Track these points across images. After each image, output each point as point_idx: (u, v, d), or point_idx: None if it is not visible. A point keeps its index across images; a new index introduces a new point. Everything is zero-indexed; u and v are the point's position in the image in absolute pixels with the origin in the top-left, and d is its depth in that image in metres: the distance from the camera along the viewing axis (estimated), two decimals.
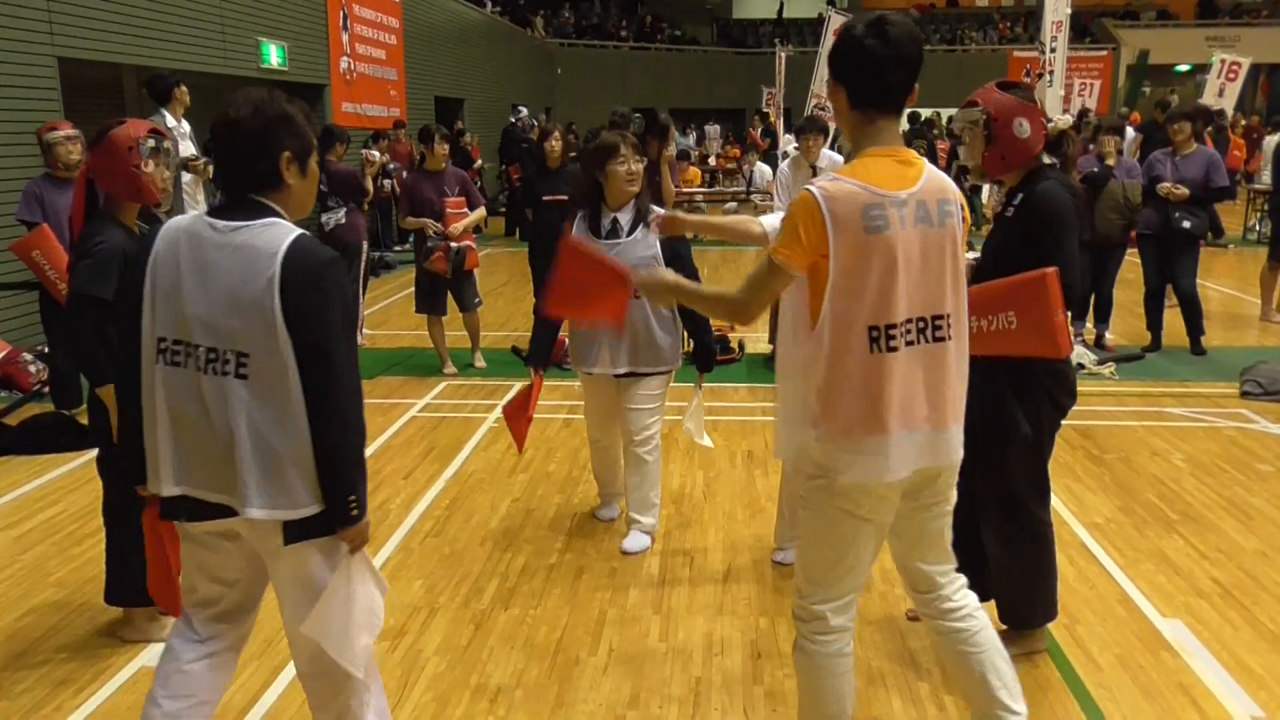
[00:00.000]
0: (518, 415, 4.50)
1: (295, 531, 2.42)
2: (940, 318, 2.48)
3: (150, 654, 3.65)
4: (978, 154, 3.42)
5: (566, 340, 4.71)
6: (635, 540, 4.52)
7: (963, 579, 2.76)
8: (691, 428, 4.57)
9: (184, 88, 7.90)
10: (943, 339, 2.49)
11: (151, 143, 3.56)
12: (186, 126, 7.89)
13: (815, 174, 6.95)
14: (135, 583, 3.69)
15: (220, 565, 2.60)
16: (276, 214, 2.42)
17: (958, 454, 2.58)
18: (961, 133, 3.48)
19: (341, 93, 14.34)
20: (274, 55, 12.23)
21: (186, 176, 7.73)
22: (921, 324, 2.45)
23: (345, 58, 14.49)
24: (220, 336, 2.34)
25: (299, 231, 2.39)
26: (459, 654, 3.66)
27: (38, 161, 6.81)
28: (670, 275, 2.81)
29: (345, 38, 14.50)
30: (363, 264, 8.44)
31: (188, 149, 7.79)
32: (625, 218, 4.30)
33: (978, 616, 2.74)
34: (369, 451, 5.91)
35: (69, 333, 3.47)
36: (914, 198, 2.43)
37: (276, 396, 2.34)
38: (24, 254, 6.28)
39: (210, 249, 2.36)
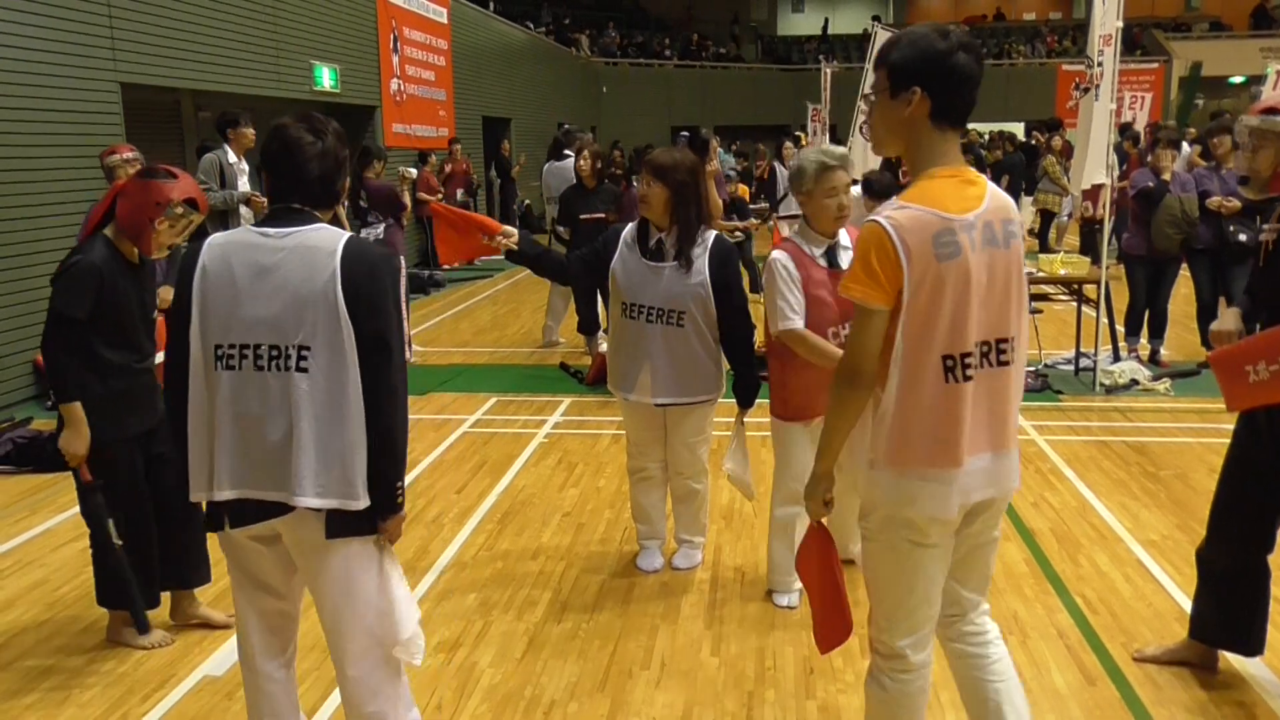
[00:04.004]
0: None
1: (340, 526, 2.52)
2: (1005, 341, 2.39)
3: (213, 663, 3.74)
4: (1269, 165, 3.25)
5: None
6: (686, 557, 4.53)
7: (987, 607, 2.64)
8: (733, 469, 4.21)
9: (251, 130, 8.14)
10: (1006, 362, 2.40)
11: (179, 210, 3.65)
12: (245, 164, 8.09)
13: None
14: (115, 586, 3.77)
15: (263, 569, 2.69)
16: (320, 221, 2.60)
17: (1015, 480, 2.50)
18: (1249, 140, 3.29)
19: (392, 114, 14.57)
20: (326, 78, 12.47)
21: (246, 211, 7.93)
22: (986, 348, 2.36)
23: (396, 79, 14.73)
24: (283, 333, 2.47)
25: (349, 233, 2.58)
26: (513, 666, 3.70)
27: (102, 184, 6.99)
28: (814, 476, 2.57)
29: (395, 60, 14.74)
30: (402, 280, 8.52)
31: (244, 185, 8.05)
32: (670, 241, 4.08)
33: (998, 645, 2.64)
34: (422, 465, 6.00)
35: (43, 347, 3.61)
36: (980, 219, 2.33)
37: (335, 386, 2.46)
38: None
39: (267, 253, 2.50)
